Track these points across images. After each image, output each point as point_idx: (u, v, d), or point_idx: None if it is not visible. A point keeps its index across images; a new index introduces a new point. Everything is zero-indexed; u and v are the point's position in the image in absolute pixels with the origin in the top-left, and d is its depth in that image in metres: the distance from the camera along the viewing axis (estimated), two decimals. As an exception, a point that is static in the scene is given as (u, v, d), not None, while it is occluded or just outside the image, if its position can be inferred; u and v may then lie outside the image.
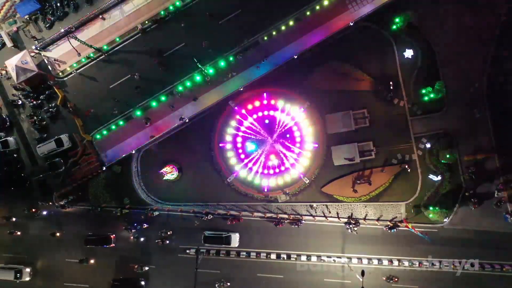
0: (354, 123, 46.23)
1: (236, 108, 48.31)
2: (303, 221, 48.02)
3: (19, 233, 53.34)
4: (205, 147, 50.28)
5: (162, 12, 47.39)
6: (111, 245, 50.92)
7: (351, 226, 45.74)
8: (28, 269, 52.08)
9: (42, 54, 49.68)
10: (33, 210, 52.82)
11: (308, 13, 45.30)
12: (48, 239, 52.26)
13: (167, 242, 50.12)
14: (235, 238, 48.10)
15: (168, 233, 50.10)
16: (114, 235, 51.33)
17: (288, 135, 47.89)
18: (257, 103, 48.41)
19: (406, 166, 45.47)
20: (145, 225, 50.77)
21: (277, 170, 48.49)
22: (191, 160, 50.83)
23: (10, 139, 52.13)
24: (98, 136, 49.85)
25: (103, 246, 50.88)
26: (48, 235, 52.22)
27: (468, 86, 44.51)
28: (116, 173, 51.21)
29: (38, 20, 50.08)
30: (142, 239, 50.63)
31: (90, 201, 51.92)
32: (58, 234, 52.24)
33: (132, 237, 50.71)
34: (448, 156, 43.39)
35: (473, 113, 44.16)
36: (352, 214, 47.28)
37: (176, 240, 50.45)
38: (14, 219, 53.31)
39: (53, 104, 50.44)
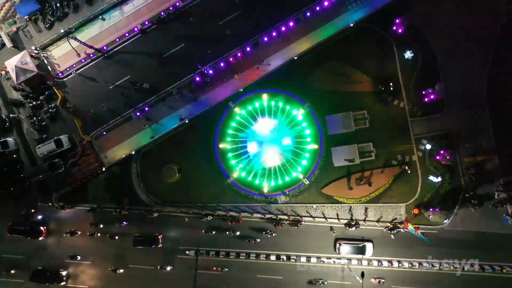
0: (354, 124, 46.16)
1: (236, 108, 48.27)
2: (303, 222, 47.96)
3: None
4: (205, 148, 50.18)
5: (162, 13, 47.23)
6: (159, 246, 50.36)
7: (391, 231, 45.43)
8: None
9: (41, 55, 49.64)
10: (32, 210, 52.84)
11: (308, 13, 45.20)
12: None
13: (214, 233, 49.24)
14: (370, 247, 46.41)
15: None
16: (161, 235, 50.77)
17: (288, 136, 47.79)
18: (257, 104, 48.36)
19: (406, 168, 45.42)
20: (124, 223, 50.88)
21: (277, 171, 48.36)
22: (191, 161, 50.71)
23: (10, 139, 51.99)
24: (97, 137, 49.74)
25: (151, 247, 50.25)
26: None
27: (469, 87, 44.47)
28: (115, 174, 51.15)
29: (38, 20, 49.94)
30: (213, 232, 49.06)
31: (89, 201, 51.86)
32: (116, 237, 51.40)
33: (204, 231, 49.24)
34: (447, 157, 43.42)
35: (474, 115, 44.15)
36: (352, 215, 47.28)
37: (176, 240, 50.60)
38: (101, 225, 51.87)
39: (52, 105, 50.35)
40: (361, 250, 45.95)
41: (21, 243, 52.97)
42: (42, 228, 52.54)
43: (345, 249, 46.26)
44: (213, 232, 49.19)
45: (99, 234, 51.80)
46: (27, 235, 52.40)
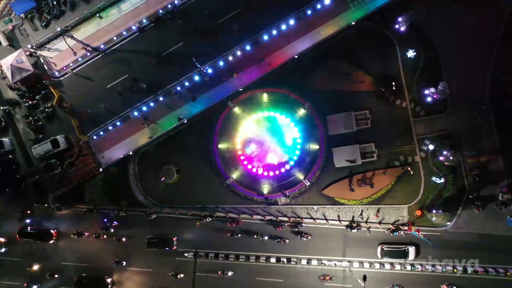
0: (356, 124, 45.45)
1: (235, 108, 47.56)
2: (304, 224, 47.27)
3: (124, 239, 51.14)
4: (204, 148, 49.56)
5: (160, 11, 46.59)
6: (174, 248, 49.47)
7: (393, 233, 44.76)
8: None
9: (38, 53, 48.98)
10: (28, 211, 52.13)
11: (309, 12, 44.54)
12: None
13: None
14: (412, 251, 44.92)
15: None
16: (176, 237, 49.87)
17: (288, 136, 47.10)
18: (257, 104, 47.62)
19: (409, 168, 44.75)
20: (115, 223, 50.39)
21: (277, 172, 47.67)
22: (190, 161, 50.20)
23: (6, 140, 51.54)
24: (95, 137, 49.19)
25: (165, 249, 49.49)
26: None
27: (472, 87, 43.85)
28: (113, 175, 50.56)
29: (34, 18, 49.43)
30: (239, 235, 48.10)
31: (86, 202, 51.29)
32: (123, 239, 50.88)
33: (229, 234, 48.24)
34: (451, 158, 42.77)
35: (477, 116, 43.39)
36: (353, 217, 46.60)
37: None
38: (112, 229, 50.99)
39: (49, 104, 49.84)
40: (404, 254, 44.75)
41: (35, 246, 52.73)
42: (52, 231, 51.95)
43: (387, 253, 45.10)
44: (239, 235, 48.32)
45: (105, 236, 51.25)
46: (37, 238, 51.81)
